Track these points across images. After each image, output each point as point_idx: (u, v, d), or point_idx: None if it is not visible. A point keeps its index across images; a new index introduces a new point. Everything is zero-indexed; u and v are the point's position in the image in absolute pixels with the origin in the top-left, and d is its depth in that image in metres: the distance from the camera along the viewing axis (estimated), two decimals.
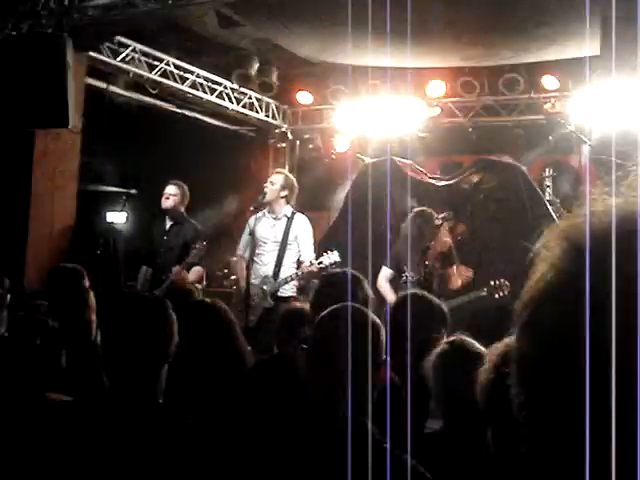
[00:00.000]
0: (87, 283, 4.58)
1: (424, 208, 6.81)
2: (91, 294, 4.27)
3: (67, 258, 6.58)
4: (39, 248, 6.68)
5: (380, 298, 6.77)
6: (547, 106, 8.54)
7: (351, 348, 2.12)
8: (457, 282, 6.68)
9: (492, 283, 6.52)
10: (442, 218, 6.66)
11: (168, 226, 7.09)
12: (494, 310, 6.86)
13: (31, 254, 6.63)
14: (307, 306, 4.08)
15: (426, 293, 4.21)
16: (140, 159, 8.40)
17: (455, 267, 6.71)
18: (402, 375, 3.16)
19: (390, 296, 6.60)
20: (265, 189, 6.75)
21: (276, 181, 6.78)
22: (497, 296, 6.50)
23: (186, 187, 7.11)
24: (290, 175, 7.15)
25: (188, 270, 6.79)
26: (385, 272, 6.78)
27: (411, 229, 6.63)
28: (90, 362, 3.45)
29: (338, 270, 5.08)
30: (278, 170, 7.15)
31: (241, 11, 7.11)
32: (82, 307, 4.18)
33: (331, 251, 6.47)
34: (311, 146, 10.05)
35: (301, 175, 9.66)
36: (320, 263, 6.40)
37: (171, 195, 7.00)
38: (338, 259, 6.38)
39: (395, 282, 6.71)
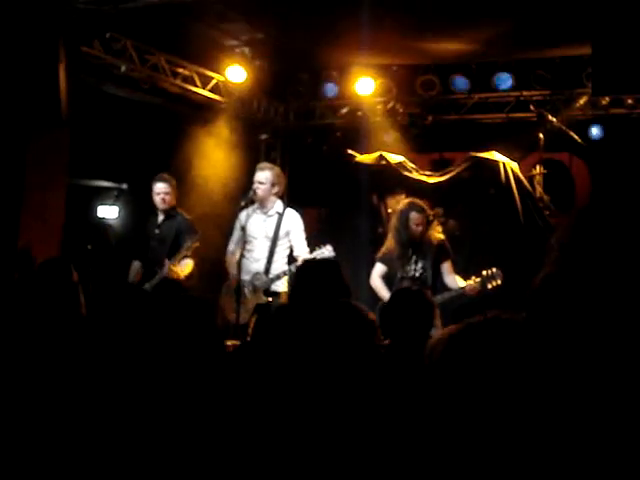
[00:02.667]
0: (76, 277, 4.57)
1: (414, 199, 6.80)
2: (80, 289, 4.26)
3: (59, 253, 6.57)
4: (30, 242, 6.66)
5: (374, 294, 6.79)
6: (538, 103, 8.56)
7: None
8: (452, 277, 6.62)
9: (485, 273, 6.49)
10: (433, 215, 6.68)
11: (161, 219, 7.09)
12: (477, 304, 6.87)
13: (22, 248, 6.60)
14: None
15: (420, 289, 4.22)
16: (132, 153, 8.38)
17: (450, 262, 6.67)
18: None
19: (383, 293, 6.61)
20: (256, 189, 6.72)
21: (265, 180, 6.75)
22: (490, 286, 6.46)
23: (173, 179, 7.10)
24: (275, 167, 7.11)
25: (179, 264, 6.80)
26: (378, 268, 6.79)
27: (402, 220, 6.64)
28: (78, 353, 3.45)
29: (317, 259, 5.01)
30: (261, 166, 7.00)
31: (234, 6, 7.11)
32: (72, 301, 4.17)
33: (324, 245, 6.46)
34: (302, 142, 10.03)
35: (292, 171, 9.66)
36: (314, 258, 6.40)
37: (164, 193, 6.97)
38: (332, 253, 6.37)
39: (390, 278, 6.71)
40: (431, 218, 6.63)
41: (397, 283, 6.59)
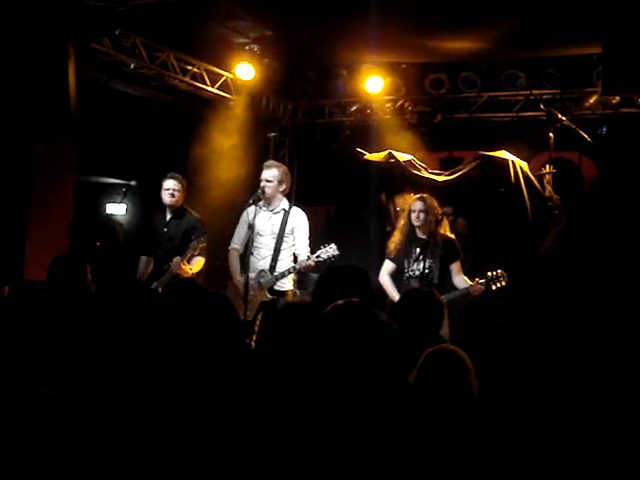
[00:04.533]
0: (89, 276, 4.56)
1: (425, 194, 6.78)
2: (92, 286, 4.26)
3: (67, 250, 6.59)
4: (39, 240, 6.67)
5: (383, 292, 6.78)
6: (548, 102, 8.54)
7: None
8: (461, 277, 6.59)
9: (490, 274, 6.50)
10: (442, 213, 6.65)
11: (168, 218, 7.11)
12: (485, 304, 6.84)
13: (31, 246, 6.62)
14: (307, 299, 4.07)
15: (430, 290, 4.21)
16: (140, 150, 8.39)
17: (459, 262, 6.64)
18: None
19: (391, 291, 6.61)
20: (263, 187, 6.70)
21: (272, 178, 6.73)
22: (494, 287, 6.45)
23: (184, 180, 7.13)
24: (282, 165, 7.08)
25: (189, 262, 6.82)
26: (388, 266, 6.78)
27: (408, 214, 6.64)
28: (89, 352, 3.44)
29: (345, 265, 5.02)
30: (268, 164, 6.97)
31: (243, 4, 7.11)
32: (85, 298, 4.17)
33: (328, 244, 6.44)
34: (311, 140, 10.03)
35: (300, 169, 9.66)
36: (318, 257, 6.39)
37: (175, 191, 6.99)
38: (337, 252, 6.35)
39: (398, 276, 6.70)
40: (440, 217, 6.60)
41: (404, 281, 6.58)
